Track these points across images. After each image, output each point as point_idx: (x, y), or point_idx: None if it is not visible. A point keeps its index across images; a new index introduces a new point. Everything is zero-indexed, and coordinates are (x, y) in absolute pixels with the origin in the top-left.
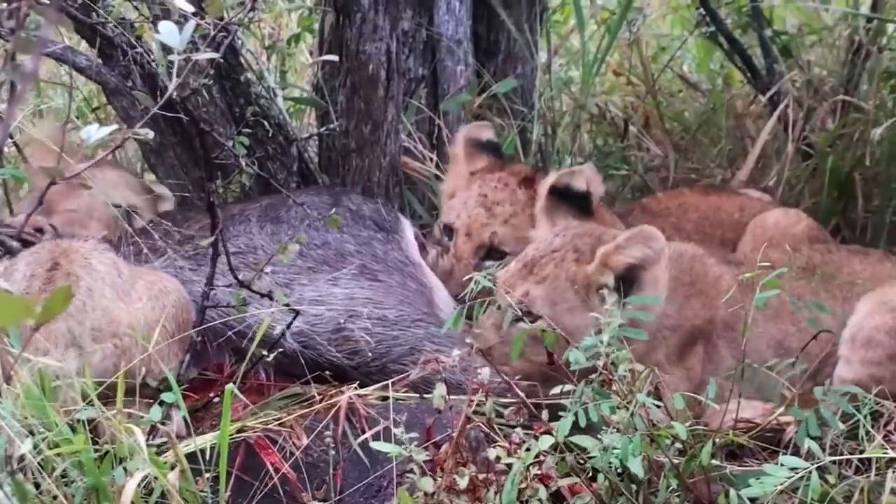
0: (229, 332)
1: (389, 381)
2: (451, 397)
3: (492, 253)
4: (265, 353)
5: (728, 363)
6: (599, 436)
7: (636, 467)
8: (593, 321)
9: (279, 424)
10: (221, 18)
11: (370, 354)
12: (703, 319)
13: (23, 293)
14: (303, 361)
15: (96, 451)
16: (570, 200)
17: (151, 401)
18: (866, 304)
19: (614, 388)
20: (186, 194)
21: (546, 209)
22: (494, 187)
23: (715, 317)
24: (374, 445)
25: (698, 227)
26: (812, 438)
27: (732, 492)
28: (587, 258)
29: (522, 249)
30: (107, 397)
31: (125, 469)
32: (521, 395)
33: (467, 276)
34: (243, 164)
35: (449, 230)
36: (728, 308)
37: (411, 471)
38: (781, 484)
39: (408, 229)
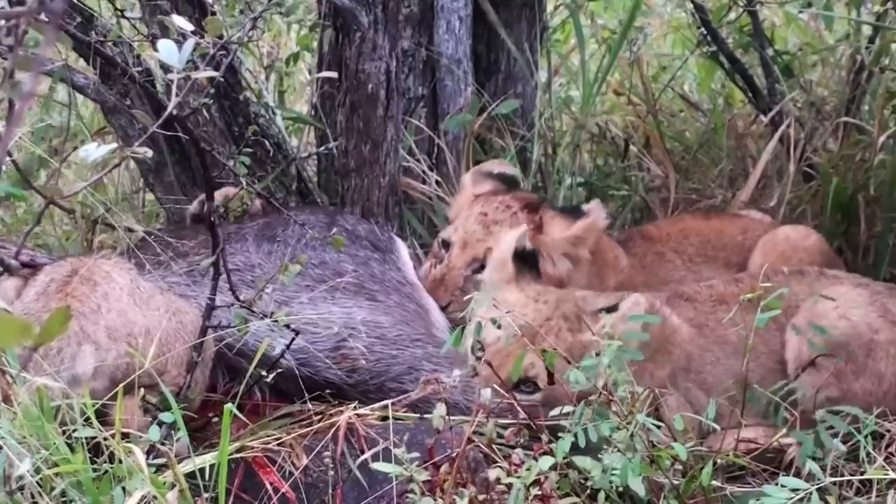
0: (230, 352)
1: (389, 402)
2: (451, 418)
3: (482, 269)
4: (264, 373)
5: (703, 400)
6: (600, 455)
7: (637, 486)
8: None
9: (278, 444)
10: (221, 37)
11: (368, 373)
12: (661, 378)
13: (37, 297)
14: (300, 380)
15: (95, 470)
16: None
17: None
18: (794, 332)
19: (614, 408)
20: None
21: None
22: (496, 208)
23: (675, 369)
24: (375, 466)
25: (700, 251)
26: (813, 459)
27: None
28: (577, 325)
29: None
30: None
31: (124, 489)
32: (525, 413)
33: (466, 297)
34: (244, 183)
35: (447, 245)
36: (693, 346)
37: (412, 491)
38: None
39: (402, 249)
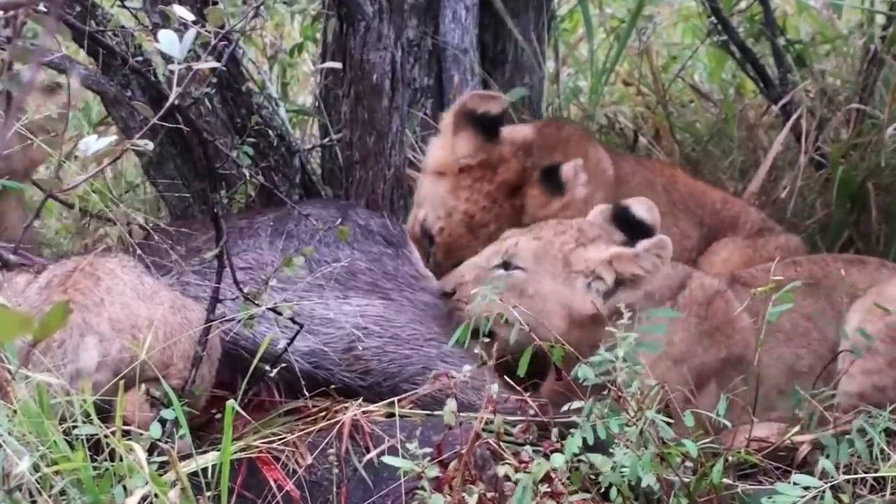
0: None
1: (396, 399)
2: (461, 414)
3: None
4: (268, 368)
5: (741, 392)
6: (611, 451)
7: (650, 480)
8: (567, 300)
9: (282, 442)
10: (222, 27)
11: (382, 374)
12: (715, 358)
13: (39, 291)
14: (314, 381)
15: (95, 468)
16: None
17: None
18: (857, 313)
19: (624, 404)
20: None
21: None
22: (483, 207)
23: (730, 355)
24: (386, 460)
25: (684, 200)
26: (826, 457)
27: None
28: (586, 243)
29: None
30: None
31: (125, 487)
32: (535, 407)
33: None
34: (247, 174)
35: (430, 237)
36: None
37: (420, 489)
38: (795, 503)
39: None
